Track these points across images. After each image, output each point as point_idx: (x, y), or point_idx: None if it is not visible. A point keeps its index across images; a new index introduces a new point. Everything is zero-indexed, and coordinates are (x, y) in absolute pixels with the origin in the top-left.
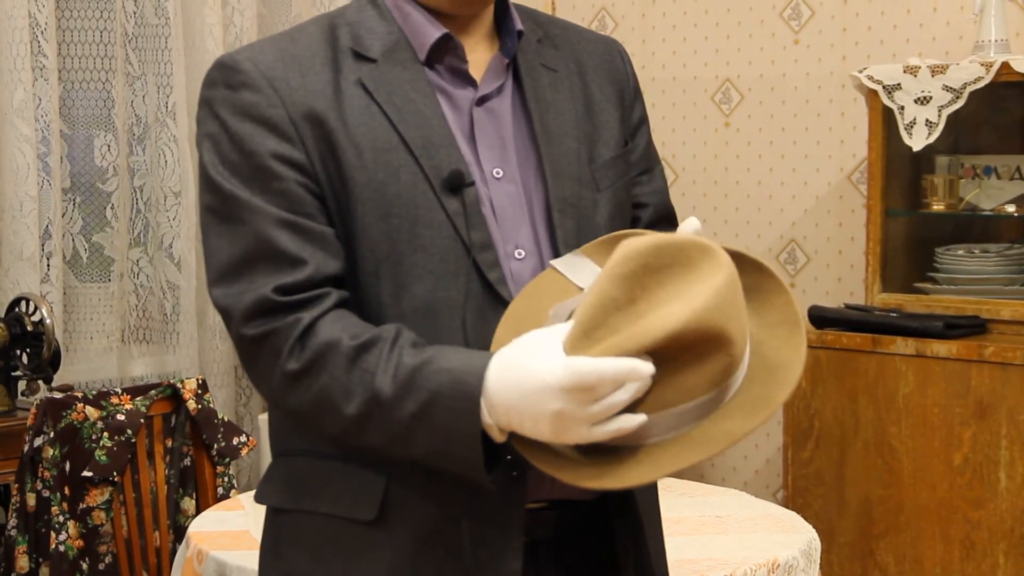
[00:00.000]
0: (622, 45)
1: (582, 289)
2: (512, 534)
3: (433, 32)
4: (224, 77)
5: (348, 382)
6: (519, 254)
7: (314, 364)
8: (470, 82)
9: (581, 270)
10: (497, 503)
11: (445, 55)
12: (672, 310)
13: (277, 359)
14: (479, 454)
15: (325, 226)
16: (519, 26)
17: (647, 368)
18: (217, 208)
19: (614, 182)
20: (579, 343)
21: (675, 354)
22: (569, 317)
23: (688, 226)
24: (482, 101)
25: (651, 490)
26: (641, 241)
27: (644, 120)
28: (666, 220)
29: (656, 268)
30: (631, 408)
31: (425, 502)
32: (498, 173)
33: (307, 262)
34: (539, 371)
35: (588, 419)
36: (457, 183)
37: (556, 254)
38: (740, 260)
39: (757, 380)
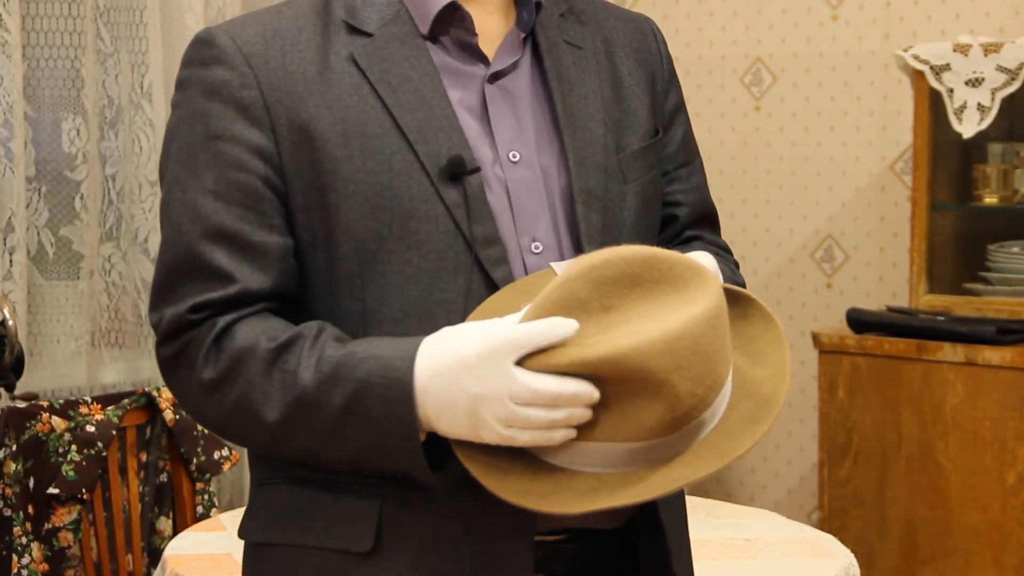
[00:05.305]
0: (656, 24)
1: None
2: (521, 566)
3: (438, 1)
4: (198, 53)
5: (268, 386)
6: (536, 247)
7: (230, 371)
8: (481, 58)
9: None
10: (502, 532)
11: (451, 27)
12: (620, 336)
13: (193, 369)
14: (417, 444)
15: (272, 235)
16: None
17: (579, 387)
18: (164, 201)
19: (642, 175)
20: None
21: (617, 386)
22: None
23: (700, 259)
24: (495, 78)
25: (680, 514)
26: (632, 249)
27: (681, 108)
28: (706, 220)
29: (641, 280)
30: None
31: (422, 530)
32: (514, 156)
33: (236, 280)
34: (459, 347)
35: (507, 416)
36: (457, 171)
37: (579, 250)
38: (731, 297)
39: (739, 420)
